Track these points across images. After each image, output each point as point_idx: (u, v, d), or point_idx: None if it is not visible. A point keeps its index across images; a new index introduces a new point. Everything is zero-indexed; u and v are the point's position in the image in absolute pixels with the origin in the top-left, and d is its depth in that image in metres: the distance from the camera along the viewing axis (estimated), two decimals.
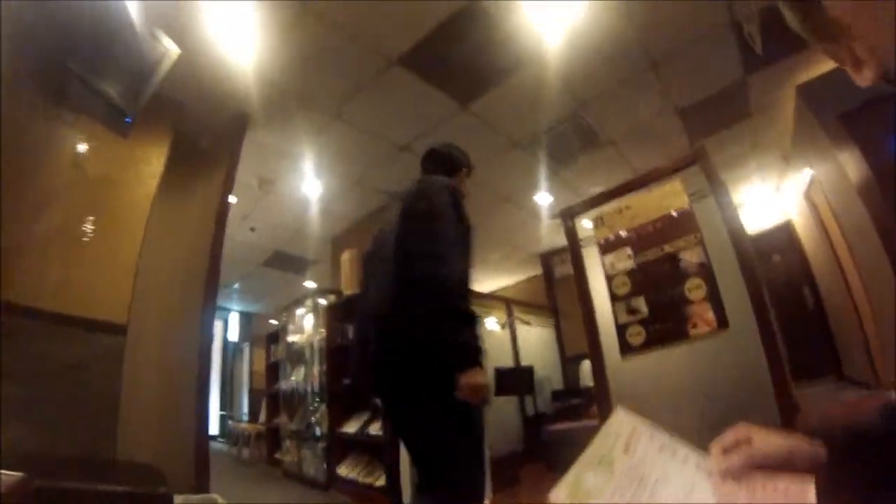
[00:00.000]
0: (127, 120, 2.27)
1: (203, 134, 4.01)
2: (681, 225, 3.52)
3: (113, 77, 2.16)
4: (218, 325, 10.50)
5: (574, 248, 3.95)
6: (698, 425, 2.96)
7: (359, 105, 4.19)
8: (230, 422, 10.08)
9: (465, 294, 1.87)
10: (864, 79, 0.61)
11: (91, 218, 2.77)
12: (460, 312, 1.75)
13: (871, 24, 0.57)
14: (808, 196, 5.48)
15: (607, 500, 0.63)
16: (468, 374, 1.65)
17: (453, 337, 1.69)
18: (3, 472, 1.07)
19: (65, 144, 2.61)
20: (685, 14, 3.52)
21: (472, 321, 1.77)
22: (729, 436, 0.68)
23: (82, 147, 2.64)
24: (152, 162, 3.22)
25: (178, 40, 2.62)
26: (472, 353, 1.70)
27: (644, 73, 4.19)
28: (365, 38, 3.48)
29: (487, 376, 1.75)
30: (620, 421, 0.73)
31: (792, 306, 6.34)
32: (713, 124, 5.07)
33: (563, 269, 8.45)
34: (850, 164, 3.18)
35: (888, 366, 3.80)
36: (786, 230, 6.95)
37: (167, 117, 3.48)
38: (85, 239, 2.73)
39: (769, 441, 0.66)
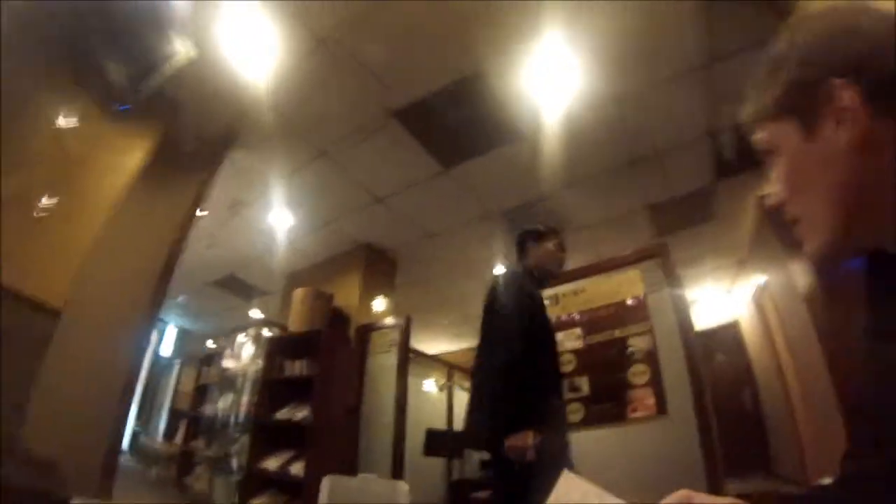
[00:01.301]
0: (123, 108, 2.23)
1: (190, 140, 3.97)
2: (633, 313, 3.65)
3: (122, 60, 2.14)
4: (152, 336, 10.07)
5: None
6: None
7: (347, 148, 4.24)
8: (143, 437, 9.52)
9: (511, 375, 2.20)
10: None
11: (55, 196, 2.69)
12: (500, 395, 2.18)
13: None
14: (757, 300, 5.73)
15: None
16: (512, 438, 2.09)
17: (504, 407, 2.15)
18: None
19: (52, 113, 2.55)
20: (670, 118, 3.75)
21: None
22: (672, 498, 0.70)
23: (69, 121, 2.59)
24: (132, 154, 3.16)
25: (195, 42, 2.63)
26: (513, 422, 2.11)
27: (624, 167, 4.40)
28: (371, 85, 3.55)
29: (530, 441, 2.09)
30: (569, 483, 0.75)
31: (730, 404, 6.52)
32: (678, 223, 5.31)
33: None
34: (800, 274, 3.37)
35: (820, 467, 3.93)
36: (732, 330, 7.22)
37: (160, 115, 3.44)
38: (43, 214, 2.63)
39: (710, 502, 0.68)
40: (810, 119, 0.68)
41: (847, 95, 0.65)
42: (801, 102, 0.69)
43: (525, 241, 2.71)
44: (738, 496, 0.72)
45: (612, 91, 3.59)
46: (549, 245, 2.65)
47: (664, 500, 0.70)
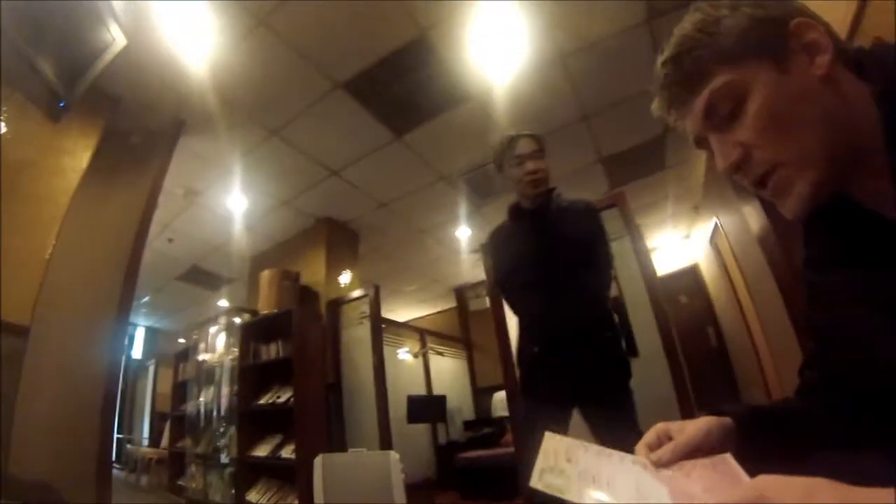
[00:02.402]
0: (60, 105, 2.15)
1: (135, 132, 3.85)
2: None
3: (53, 55, 2.05)
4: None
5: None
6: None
7: (297, 125, 4.18)
8: (128, 446, 9.39)
9: None
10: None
11: None
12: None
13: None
14: (714, 243, 5.94)
15: (575, 497, 0.67)
16: None
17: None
18: None
19: None
20: (617, 74, 3.80)
21: None
22: (650, 435, 0.75)
23: (5, 126, 2.46)
24: (78, 154, 3.04)
25: (127, 31, 2.53)
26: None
27: (575, 122, 4.47)
28: (314, 59, 3.50)
29: None
30: (553, 441, 0.79)
31: (696, 344, 6.80)
32: (633, 173, 5.43)
33: (477, 302, 8.70)
34: (752, 216, 3.50)
35: (784, 392, 4.13)
36: (692, 273, 7.50)
37: (101, 109, 3.32)
38: None
39: (685, 429, 0.73)
40: (782, 55, 0.68)
41: (814, 29, 0.67)
42: (770, 39, 0.68)
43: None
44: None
45: (556, 49, 3.61)
46: (514, 172, 2.24)
47: (645, 437, 0.75)
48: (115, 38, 2.42)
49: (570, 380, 2.04)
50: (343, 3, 3.11)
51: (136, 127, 3.83)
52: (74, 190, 3.00)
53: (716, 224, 5.50)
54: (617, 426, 1.96)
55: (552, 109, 4.24)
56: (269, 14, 3.13)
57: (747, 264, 4.49)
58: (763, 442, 0.72)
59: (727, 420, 0.74)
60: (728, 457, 0.64)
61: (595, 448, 0.73)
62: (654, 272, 3.63)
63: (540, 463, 0.75)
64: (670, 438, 0.73)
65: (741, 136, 0.70)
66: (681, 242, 7.77)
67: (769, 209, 3.11)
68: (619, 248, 3.67)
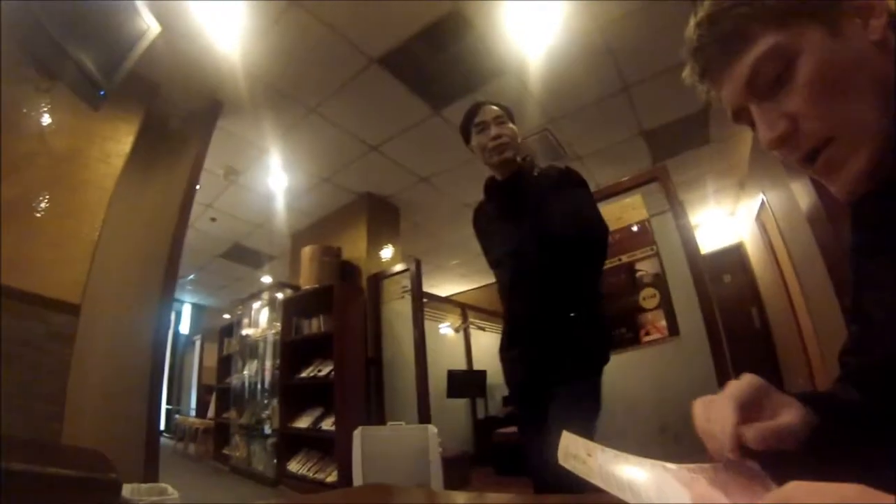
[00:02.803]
0: (101, 93, 2.22)
1: (174, 116, 3.94)
2: (639, 237, 3.66)
3: (90, 46, 2.10)
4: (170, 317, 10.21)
5: None
6: (650, 426, 3.10)
7: (335, 102, 4.18)
8: (177, 416, 9.81)
9: None
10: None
11: (47, 194, 2.70)
12: None
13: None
14: (760, 220, 5.73)
15: (602, 485, 0.66)
16: None
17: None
18: None
19: (33, 111, 2.55)
20: (659, 44, 3.66)
21: None
22: (744, 387, 0.59)
23: (51, 116, 2.59)
24: (120, 140, 3.15)
25: (161, 17, 2.58)
26: None
27: (616, 94, 4.33)
28: (349, 36, 3.49)
29: None
30: (571, 439, 0.77)
31: (740, 325, 6.60)
32: (675, 147, 5.26)
33: None
34: (801, 194, 3.37)
35: (829, 377, 4.02)
36: (737, 251, 7.25)
37: (140, 96, 3.41)
38: (38, 214, 2.65)
39: (780, 410, 0.58)
40: (831, 18, 0.61)
41: None
42: (825, 2, 0.61)
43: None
44: None
45: (593, 18, 3.50)
46: (478, 140, 2.07)
47: (738, 388, 0.61)
48: (150, 25, 2.47)
49: (530, 372, 1.89)
50: None
51: (176, 111, 3.92)
52: (119, 174, 3.12)
53: (762, 201, 5.29)
54: (561, 426, 1.79)
55: (591, 81, 4.12)
56: None
57: (795, 244, 4.32)
58: (838, 438, 0.60)
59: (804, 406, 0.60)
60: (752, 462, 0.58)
61: (612, 451, 0.71)
62: (697, 249, 3.53)
63: (563, 448, 0.74)
64: (760, 409, 0.58)
65: (789, 106, 0.63)
66: (725, 219, 7.49)
67: (820, 187, 2.98)
68: (661, 224, 3.59)
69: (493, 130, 2.01)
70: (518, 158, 2.06)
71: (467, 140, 2.14)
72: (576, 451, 0.72)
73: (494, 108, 2.07)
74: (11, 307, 2.45)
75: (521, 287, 1.94)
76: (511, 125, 2.06)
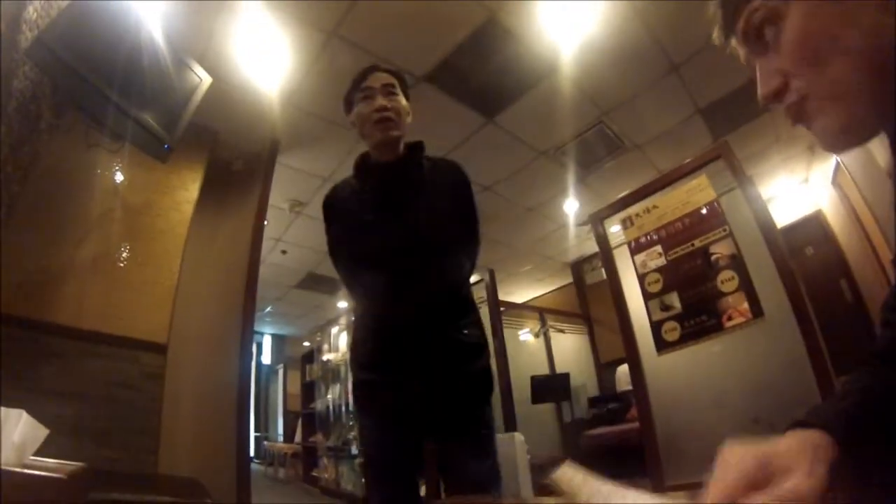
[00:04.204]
0: (165, 147, 2.38)
1: (236, 159, 4.14)
2: (709, 219, 3.52)
3: (150, 106, 2.27)
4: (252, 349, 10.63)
5: (605, 250, 3.99)
6: (741, 418, 2.94)
7: None
8: (265, 443, 10.18)
9: None
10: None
11: (127, 245, 2.92)
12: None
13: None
14: (837, 183, 5.39)
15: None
16: None
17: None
18: (62, 462, 1.11)
19: (106, 171, 2.77)
20: (699, 18, 3.53)
21: None
22: (748, 463, 0.50)
23: (122, 174, 2.82)
24: (188, 187, 3.36)
25: (210, 68, 2.75)
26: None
27: (664, 75, 4.20)
28: (390, 59, 3.53)
29: None
30: (569, 471, 0.75)
31: (830, 299, 6.14)
32: (735, 121, 5.04)
33: (594, 275, 8.40)
34: (878, 148, 3.14)
35: None
36: (817, 221, 6.76)
37: (202, 144, 3.61)
38: (121, 264, 2.87)
39: (790, 468, 0.49)
40: None
41: None
42: None
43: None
44: None
45: (631, 5, 3.42)
46: (360, 109, 1.78)
47: (737, 464, 0.51)
48: (201, 78, 2.64)
49: (409, 400, 1.60)
50: (404, 1, 3.14)
51: (236, 154, 4.12)
52: (190, 220, 3.32)
53: (837, 163, 4.98)
54: (471, 469, 1.60)
55: (639, 66, 4.02)
56: (337, 26, 3.24)
57: (879, 204, 4.03)
58: (871, 452, 0.54)
59: (820, 436, 0.53)
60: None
61: (610, 484, 0.68)
62: (773, 224, 3.35)
63: (559, 477, 0.73)
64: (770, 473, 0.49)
65: (780, 63, 0.64)
66: (799, 188, 7.01)
67: None
68: (731, 203, 3.43)
69: (380, 101, 1.73)
70: (402, 140, 1.80)
71: (349, 108, 1.83)
72: (572, 474, 0.71)
73: (385, 74, 1.81)
74: (105, 351, 2.65)
75: (403, 290, 1.63)
76: (402, 99, 1.80)
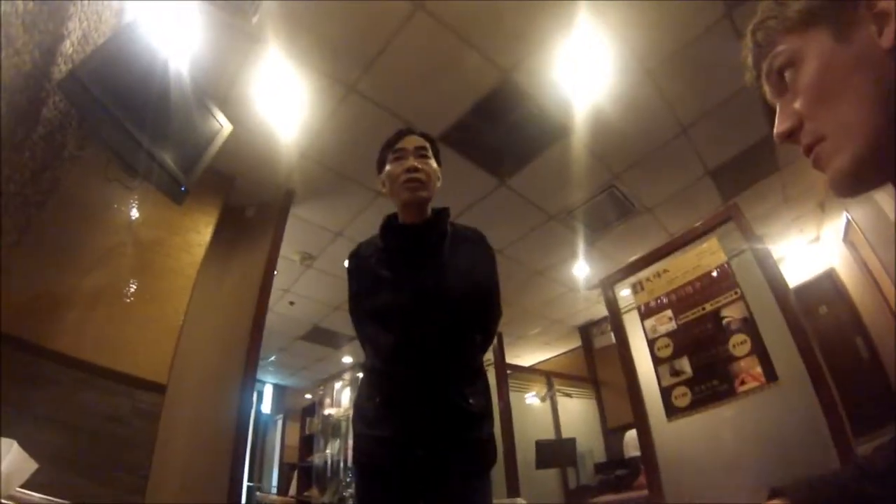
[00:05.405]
0: (182, 189, 2.43)
1: (249, 206, 4.20)
2: (720, 282, 3.50)
3: (171, 148, 2.34)
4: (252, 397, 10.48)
5: (615, 315, 3.96)
6: (754, 483, 2.82)
7: None
8: (258, 493, 9.88)
9: None
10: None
11: (135, 281, 2.92)
12: None
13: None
14: (849, 240, 5.37)
15: None
16: None
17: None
18: (47, 497, 1.09)
19: (121, 206, 2.82)
20: (708, 80, 3.62)
21: None
22: None
23: (137, 211, 2.86)
24: (201, 230, 3.40)
25: (231, 113, 2.84)
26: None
27: (675, 138, 4.27)
28: (406, 117, 3.63)
29: None
30: None
31: (845, 357, 5.99)
32: (744, 182, 5.08)
33: (603, 339, 8.35)
34: (887, 203, 3.15)
35: None
36: (829, 279, 6.69)
37: (217, 188, 3.68)
38: (128, 299, 2.87)
39: None
40: (845, 25, 0.64)
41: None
42: (834, 8, 0.64)
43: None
44: None
45: (641, 67, 3.51)
46: (391, 169, 1.82)
47: None
48: (223, 125, 2.73)
49: (408, 462, 1.58)
50: (423, 61, 3.25)
51: (251, 201, 4.18)
52: (200, 262, 3.34)
53: (847, 220, 4.98)
54: None
55: (649, 129, 4.09)
56: (356, 81, 3.35)
57: (891, 259, 4.00)
58: None
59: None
60: None
61: None
62: (785, 285, 3.32)
63: None
64: None
65: (796, 104, 0.69)
66: (810, 247, 7.00)
67: None
68: (742, 265, 3.41)
69: (411, 162, 1.76)
70: (430, 203, 1.82)
71: (381, 168, 1.87)
72: None
73: (418, 137, 1.85)
74: (101, 385, 2.62)
75: (410, 351, 1.64)
76: (433, 162, 1.83)
